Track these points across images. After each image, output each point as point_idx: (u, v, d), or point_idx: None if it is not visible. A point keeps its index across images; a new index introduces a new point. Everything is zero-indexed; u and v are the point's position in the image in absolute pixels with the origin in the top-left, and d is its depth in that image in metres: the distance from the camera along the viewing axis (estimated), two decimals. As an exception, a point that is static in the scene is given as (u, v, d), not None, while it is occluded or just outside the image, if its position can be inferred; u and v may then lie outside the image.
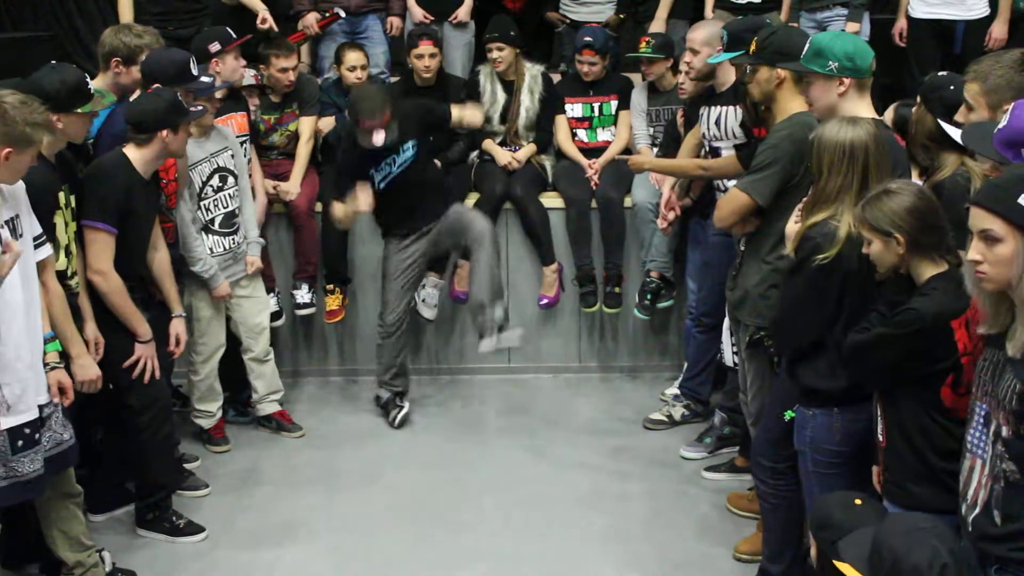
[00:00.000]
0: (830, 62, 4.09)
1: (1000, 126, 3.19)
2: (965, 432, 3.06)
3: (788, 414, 4.16)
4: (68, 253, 4.65)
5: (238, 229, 5.94)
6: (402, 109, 6.17)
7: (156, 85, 5.10)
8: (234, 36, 6.07)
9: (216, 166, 5.81)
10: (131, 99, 5.12)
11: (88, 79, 4.68)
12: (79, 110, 4.58)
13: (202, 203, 5.75)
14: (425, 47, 6.80)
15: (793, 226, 4.12)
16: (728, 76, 5.36)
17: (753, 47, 4.54)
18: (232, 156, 5.91)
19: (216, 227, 5.83)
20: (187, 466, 5.82)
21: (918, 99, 4.33)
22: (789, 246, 4.10)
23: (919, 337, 3.43)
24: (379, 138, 5.88)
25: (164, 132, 4.88)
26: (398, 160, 6.11)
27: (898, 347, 3.49)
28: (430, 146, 6.39)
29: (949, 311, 3.40)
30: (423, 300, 6.75)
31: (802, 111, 4.47)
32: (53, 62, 4.72)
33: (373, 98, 5.99)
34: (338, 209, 6.08)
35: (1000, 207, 2.79)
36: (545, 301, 6.87)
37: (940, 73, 4.47)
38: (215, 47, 5.97)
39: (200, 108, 5.28)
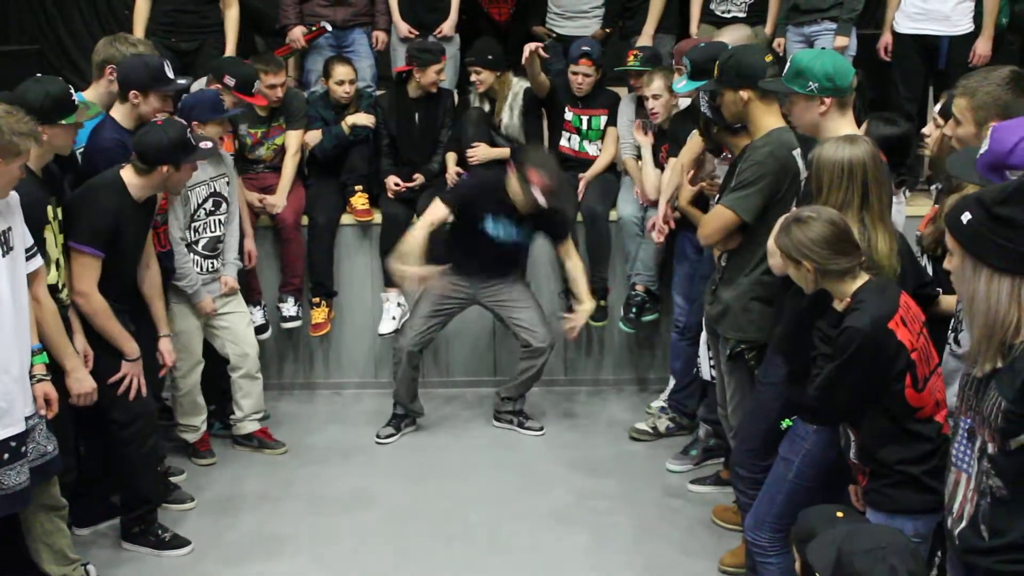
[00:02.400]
0: (810, 82, 4.13)
1: (981, 151, 3.23)
2: (950, 446, 3.09)
3: (786, 423, 4.18)
4: (58, 266, 4.66)
5: (219, 254, 5.94)
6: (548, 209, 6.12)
7: (133, 91, 5.18)
8: (252, 92, 6.18)
9: (213, 190, 5.82)
10: (142, 128, 5.09)
11: (72, 91, 4.68)
12: (64, 121, 4.57)
13: (193, 224, 5.76)
14: (444, 63, 6.84)
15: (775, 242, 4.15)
16: None
17: (716, 72, 4.57)
18: (228, 183, 5.93)
19: (199, 248, 5.82)
20: (172, 479, 5.80)
21: (939, 120, 4.35)
22: (771, 261, 4.13)
23: (865, 351, 3.53)
24: (535, 193, 5.82)
25: (165, 168, 4.90)
26: (510, 231, 6.09)
27: (853, 371, 3.57)
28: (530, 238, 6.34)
29: (881, 315, 3.55)
30: (392, 317, 6.78)
31: (779, 127, 4.51)
32: (37, 75, 4.73)
33: (550, 162, 6.02)
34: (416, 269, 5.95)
35: (949, 223, 2.89)
36: None
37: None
38: (230, 81, 6.07)
39: (209, 146, 5.29)
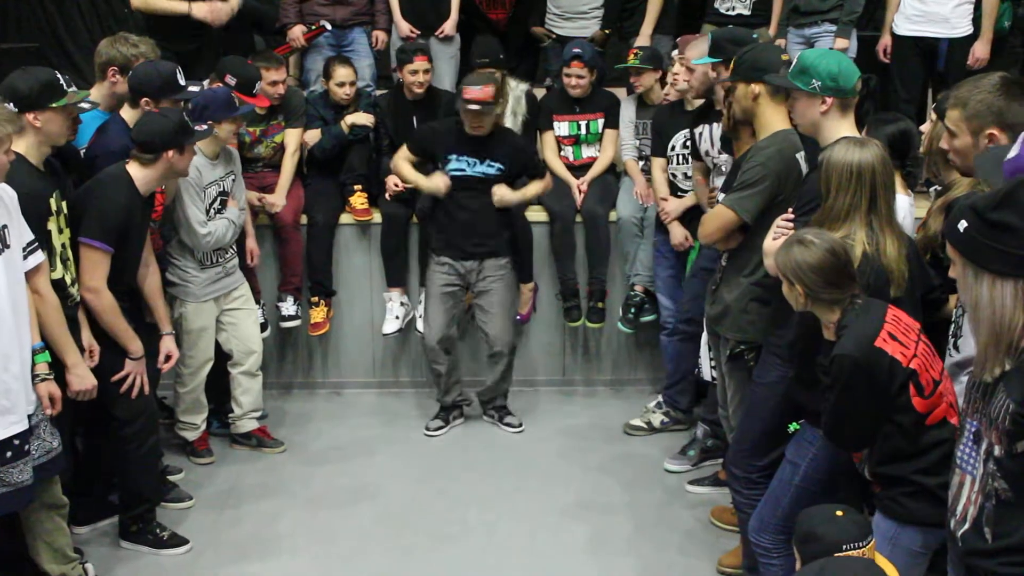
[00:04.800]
0: (814, 80, 4.13)
1: (1009, 156, 3.20)
2: (955, 448, 3.08)
3: (793, 426, 4.18)
4: (64, 260, 4.64)
5: (227, 249, 5.94)
6: (514, 139, 6.40)
7: (145, 99, 5.16)
8: (253, 92, 6.16)
9: (222, 189, 5.83)
10: (138, 119, 5.10)
11: (59, 76, 4.68)
12: (53, 105, 4.56)
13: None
14: (420, 63, 6.78)
15: (771, 242, 4.14)
16: None
17: (732, 66, 4.59)
18: (233, 180, 5.93)
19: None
20: (171, 478, 5.80)
21: (932, 115, 4.36)
22: (767, 261, 4.14)
23: (858, 375, 3.52)
24: (473, 106, 5.98)
25: (170, 152, 4.89)
26: (478, 167, 6.17)
27: (851, 397, 3.55)
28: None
29: (865, 335, 3.55)
30: (396, 317, 6.80)
31: (785, 128, 4.51)
32: (23, 67, 4.75)
33: (482, 76, 6.22)
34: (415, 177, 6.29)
35: (948, 231, 2.89)
36: (517, 318, 6.86)
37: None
38: (231, 81, 6.06)
39: (205, 128, 5.29)
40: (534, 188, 6.35)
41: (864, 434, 3.64)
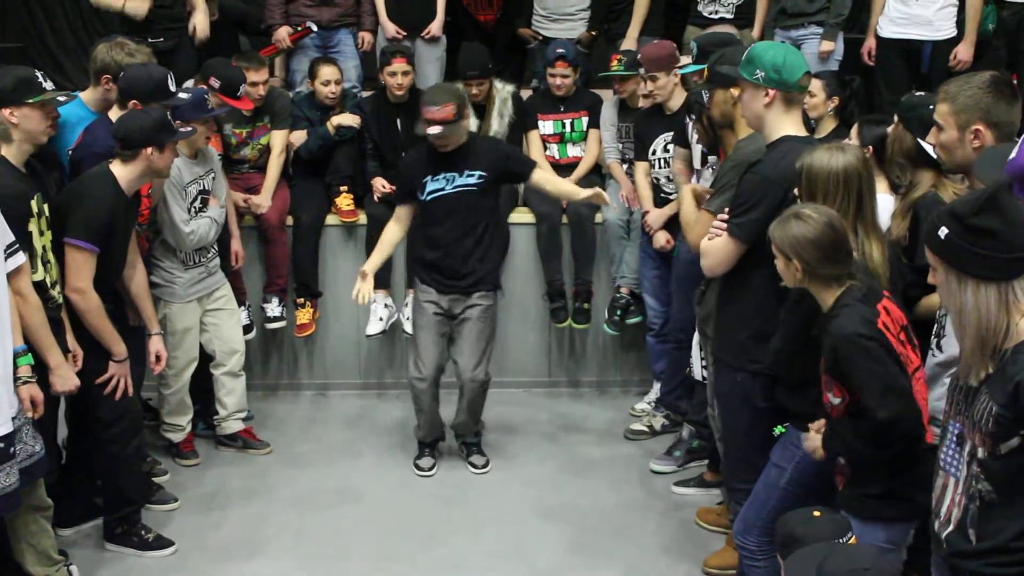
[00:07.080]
0: (757, 71, 4.07)
1: (1012, 157, 3.20)
2: (938, 450, 3.10)
3: (779, 429, 4.15)
4: (45, 262, 4.61)
5: (209, 249, 5.93)
6: (489, 143, 6.18)
7: (133, 101, 5.13)
8: (237, 95, 6.16)
9: (202, 187, 5.82)
10: (121, 115, 5.09)
11: (39, 74, 4.67)
12: (30, 100, 4.56)
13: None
14: (398, 65, 6.75)
15: (707, 243, 4.16)
16: None
17: (706, 72, 4.57)
18: (213, 178, 5.92)
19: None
20: (156, 480, 5.79)
21: (895, 118, 4.36)
22: (702, 262, 4.16)
23: (870, 346, 3.45)
24: (434, 130, 5.69)
25: (149, 150, 4.86)
26: (457, 181, 5.82)
27: (878, 362, 3.46)
28: (494, 197, 6.04)
29: (868, 318, 3.49)
30: (380, 318, 6.76)
31: None
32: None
33: (442, 91, 5.87)
34: (363, 286, 5.80)
35: (927, 238, 2.90)
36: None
37: (917, 93, 4.50)
38: (215, 83, 6.05)
39: (189, 129, 5.28)
40: (577, 188, 6.11)
41: (911, 403, 3.45)
